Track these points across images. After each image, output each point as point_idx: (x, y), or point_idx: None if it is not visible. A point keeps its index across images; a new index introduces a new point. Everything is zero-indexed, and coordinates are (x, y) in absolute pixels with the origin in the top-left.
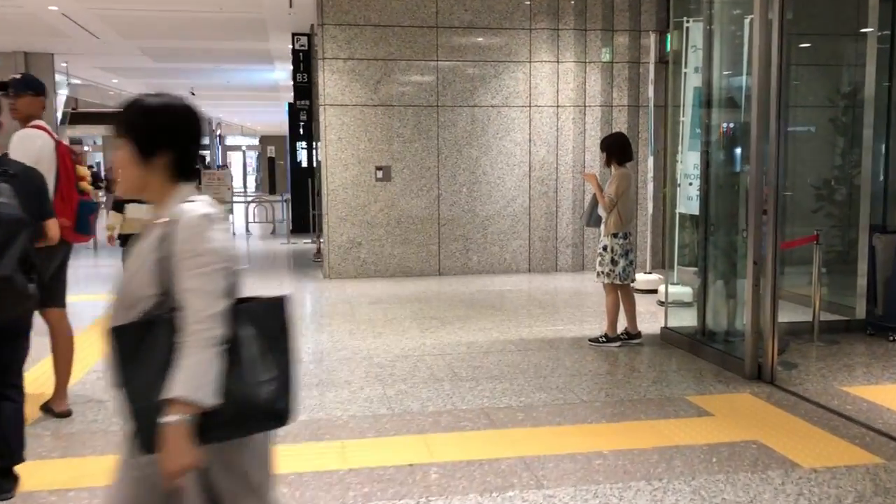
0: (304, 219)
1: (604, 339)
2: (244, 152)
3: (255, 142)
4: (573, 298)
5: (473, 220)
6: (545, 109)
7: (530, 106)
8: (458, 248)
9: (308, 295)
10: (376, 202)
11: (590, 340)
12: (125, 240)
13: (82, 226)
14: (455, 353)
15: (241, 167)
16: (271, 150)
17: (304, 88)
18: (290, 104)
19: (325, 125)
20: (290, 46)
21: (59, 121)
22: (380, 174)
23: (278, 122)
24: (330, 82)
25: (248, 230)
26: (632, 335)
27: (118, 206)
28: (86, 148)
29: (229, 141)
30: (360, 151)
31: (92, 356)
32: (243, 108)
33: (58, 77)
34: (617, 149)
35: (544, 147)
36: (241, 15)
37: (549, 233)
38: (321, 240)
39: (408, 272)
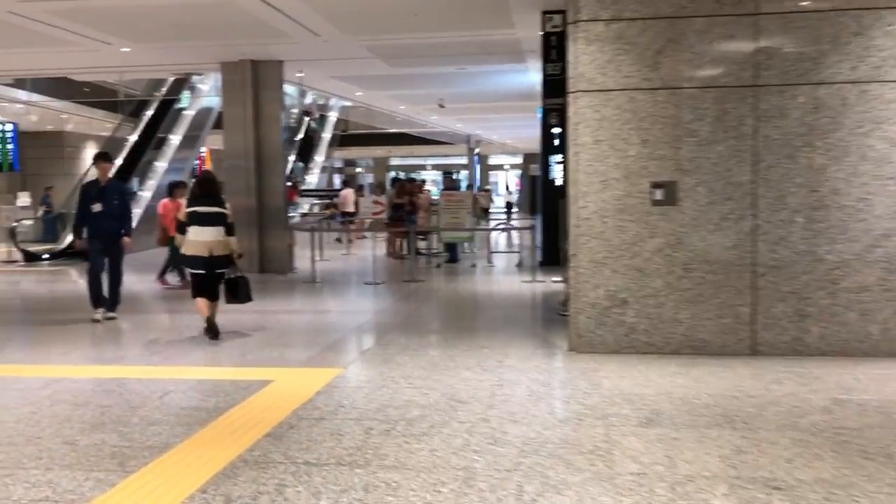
0: (557, 249)
1: None
2: (507, 171)
3: (519, 160)
4: None
5: (815, 267)
6: None
7: None
8: (787, 312)
9: (530, 392)
10: (652, 238)
11: None
12: (190, 261)
13: None
14: None
15: (504, 187)
16: (534, 168)
17: (557, 82)
18: (542, 108)
19: (575, 122)
20: (540, 32)
21: (327, 142)
22: (658, 195)
23: (537, 136)
24: (585, 57)
25: (489, 261)
26: None
27: (181, 228)
28: (358, 170)
29: (493, 160)
30: (627, 160)
31: None
32: (498, 123)
33: (288, 88)
34: None
35: None
36: None
37: None
38: (569, 287)
39: (701, 349)
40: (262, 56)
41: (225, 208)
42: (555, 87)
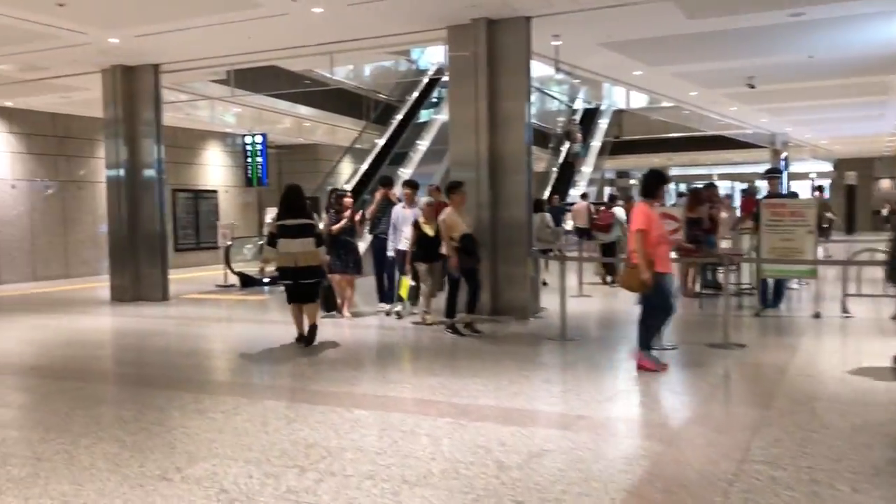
0: None
1: None
2: (812, 181)
3: (829, 167)
4: None
5: None
6: None
7: None
8: None
9: None
10: None
11: None
12: (282, 273)
13: None
14: None
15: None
16: (851, 177)
17: None
18: None
19: None
20: None
21: (597, 151)
22: None
23: (870, 134)
24: None
25: (844, 309)
26: None
27: (272, 241)
28: (632, 181)
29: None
30: None
31: None
32: (823, 114)
33: (538, 66)
34: None
35: None
36: None
37: None
38: None
39: None
40: (502, 11)
41: (312, 220)
42: None
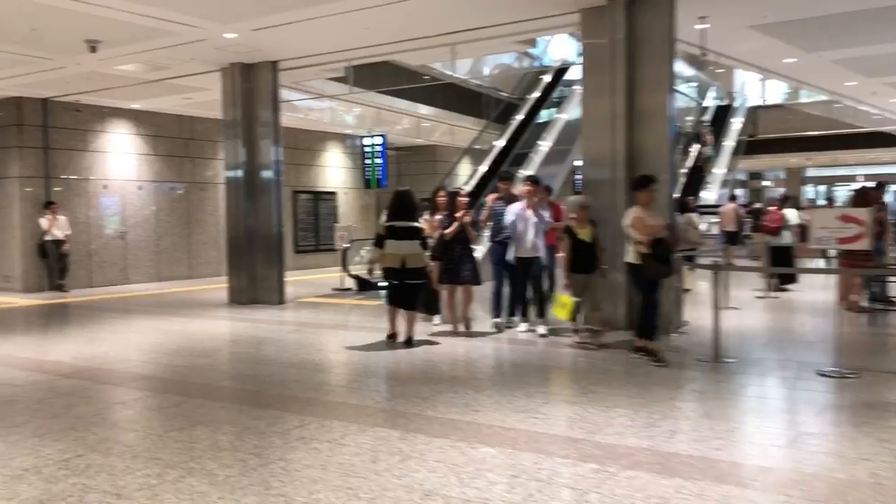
0: None
1: None
2: None
3: None
4: None
5: None
6: None
7: None
8: None
9: None
10: None
11: None
12: (388, 273)
13: None
14: None
15: None
16: None
17: None
18: None
19: None
20: None
21: (730, 152)
22: None
23: None
24: None
25: None
26: None
27: (379, 242)
28: (765, 183)
29: None
30: None
31: None
32: None
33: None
34: None
35: None
36: None
37: None
38: None
39: None
40: None
41: (419, 223)
42: None
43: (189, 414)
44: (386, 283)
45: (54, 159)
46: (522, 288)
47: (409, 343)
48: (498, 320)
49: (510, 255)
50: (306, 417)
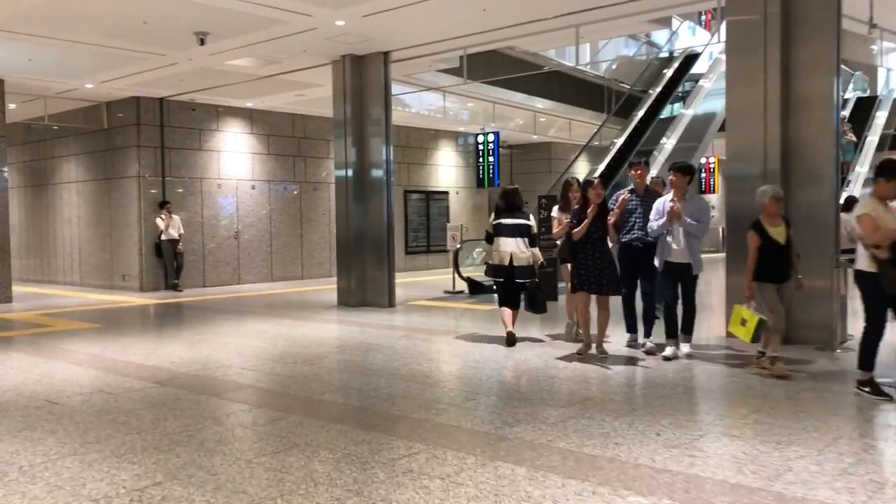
0: None
1: None
2: None
3: None
4: None
5: None
6: None
7: None
8: None
9: None
10: None
11: None
12: (496, 271)
13: None
14: None
15: None
16: None
17: None
18: None
19: None
20: None
21: (874, 147)
22: None
23: None
24: None
25: None
26: None
27: (490, 239)
28: None
29: None
30: None
31: None
32: None
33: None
34: None
35: None
36: None
37: None
38: None
39: None
40: None
41: (529, 220)
42: None
43: (284, 434)
44: (494, 283)
45: (170, 158)
46: (672, 302)
47: (511, 339)
48: (636, 338)
49: (657, 260)
50: (415, 444)
